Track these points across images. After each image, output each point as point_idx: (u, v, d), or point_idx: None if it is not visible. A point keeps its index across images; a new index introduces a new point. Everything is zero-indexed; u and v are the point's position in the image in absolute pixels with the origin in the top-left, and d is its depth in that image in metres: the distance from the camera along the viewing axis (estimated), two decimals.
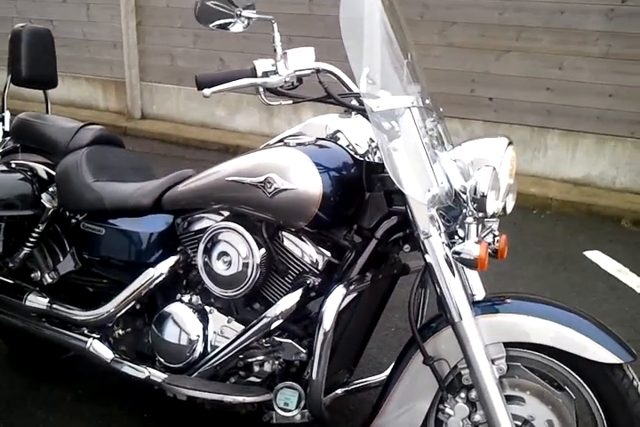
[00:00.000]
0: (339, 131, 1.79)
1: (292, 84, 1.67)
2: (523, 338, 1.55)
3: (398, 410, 1.67)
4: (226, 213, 1.87)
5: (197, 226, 1.92)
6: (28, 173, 2.18)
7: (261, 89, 1.65)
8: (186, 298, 1.94)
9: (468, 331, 1.53)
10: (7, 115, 2.38)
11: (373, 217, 1.70)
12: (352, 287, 1.62)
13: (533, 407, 1.58)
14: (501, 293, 1.68)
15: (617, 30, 4.02)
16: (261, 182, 1.68)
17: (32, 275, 2.17)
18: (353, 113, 1.84)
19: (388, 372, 1.95)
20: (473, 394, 1.58)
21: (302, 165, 1.67)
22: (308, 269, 1.74)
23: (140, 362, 1.97)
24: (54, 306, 2.07)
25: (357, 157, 1.73)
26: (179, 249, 1.99)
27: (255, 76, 1.64)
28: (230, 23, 1.64)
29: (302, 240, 1.76)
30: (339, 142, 1.77)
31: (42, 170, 2.21)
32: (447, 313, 1.55)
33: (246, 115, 5.47)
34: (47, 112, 2.55)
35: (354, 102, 1.71)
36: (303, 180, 1.65)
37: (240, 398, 1.70)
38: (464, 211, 1.60)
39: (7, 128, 2.38)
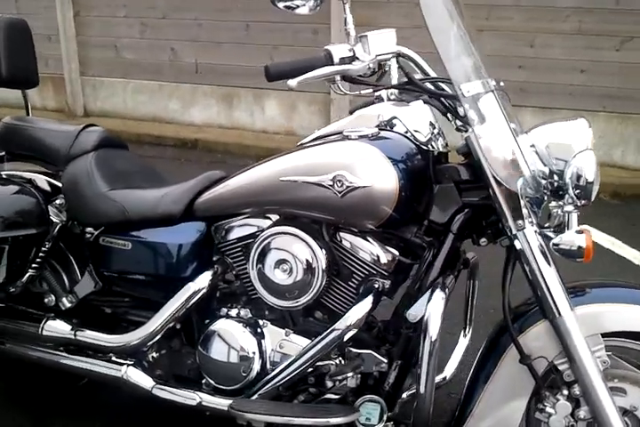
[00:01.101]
0: (394, 117, 1.63)
1: (373, 70, 1.51)
2: (620, 327, 1.49)
3: (490, 414, 1.56)
4: (274, 217, 1.70)
5: (240, 233, 1.73)
6: (29, 186, 1.91)
7: (338, 77, 1.48)
8: (233, 312, 1.75)
9: (570, 325, 1.45)
10: None
11: (446, 211, 1.58)
12: (447, 290, 1.50)
13: (635, 397, 1.52)
14: (574, 281, 1.60)
15: (587, 6, 4.03)
16: (330, 181, 1.52)
17: (45, 300, 1.91)
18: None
19: (446, 373, 1.85)
20: (576, 390, 1.50)
21: (374, 159, 1.51)
22: (375, 272, 1.60)
23: (182, 386, 1.77)
24: (78, 333, 1.83)
25: (421, 145, 1.59)
26: (215, 259, 1.80)
27: (332, 63, 1.46)
28: (298, 5, 1.47)
29: (366, 240, 1.61)
30: (395, 130, 1.63)
31: (42, 180, 1.94)
32: (545, 308, 1.46)
33: (202, 107, 5.21)
34: (27, 115, 2.27)
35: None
36: (377, 176, 1.50)
37: (328, 420, 1.54)
38: (546, 198, 1.53)
39: None
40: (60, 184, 1.93)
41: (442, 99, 1.55)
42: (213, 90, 5.06)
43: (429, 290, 1.52)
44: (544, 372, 1.52)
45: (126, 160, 2.01)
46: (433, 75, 1.60)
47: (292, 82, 1.45)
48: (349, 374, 1.59)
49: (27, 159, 2.03)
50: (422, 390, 1.43)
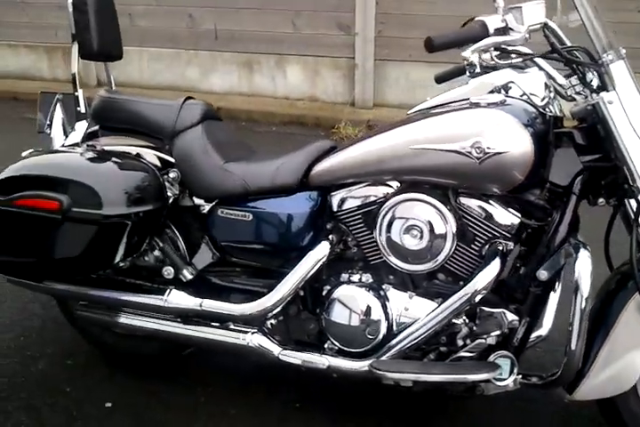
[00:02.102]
0: (511, 82, 1.67)
1: (525, 40, 1.56)
2: None
3: (612, 363, 1.64)
4: (395, 184, 1.75)
5: (361, 201, 1.79)
6: (142, 160, 1.92)
7: (492, 48, 1.52)
8: (354, 278, 1.82)
9: None
10: (81, 94, 2.08)
11: (567, 174, 1.65)
12: (589, 248, 1.58)
13: None
14: None
15: None
16: (468, 148, 1.57)
17: (164, 272, 1.94)
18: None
19: (542, 331, 1.91)
20: None
21: (509, 126, 1.57)
22: (498, 234, 1.67)
23: (305, 351, 1.84)
24: (204, 303, 1.87)
25: (541, 110, 1.65)
26: (329, 227, 1.85)
27: (487, 33, 1.51)
28: None
29: (489, 203, 1.67)
30: (511, 94, 1.67)
31: (150, 155, 1.95)
32: None
33: (222, 73, 5.15)
34: (111, 87, 2.27)
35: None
36: (514, 142, 1.56)
37: (472, 377, 1.62)
38: None
39: (82, 109, 2.08)
40: (167, 157, 1.95)
41: (573, 66, 1.60)
42: (233, 57, 5.01)
43: (559, 251, 1.61)
44: None
45: (225, 132, 2.03)
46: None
47: (467, 53, 1.49)
48: (489, 333, 1.67)
49: (123, 133, 2.03)
50: (573, 346, 1.53)
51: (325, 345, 1.84)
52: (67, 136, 2.23)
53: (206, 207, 1.92)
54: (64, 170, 1.80)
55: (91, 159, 1.85)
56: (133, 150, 1.97)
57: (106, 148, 1.97)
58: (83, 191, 1.74)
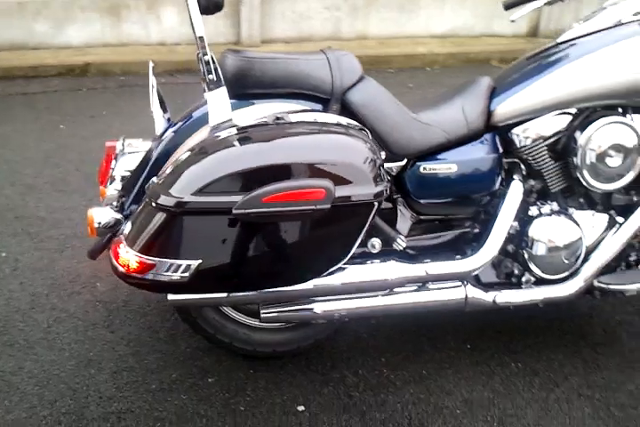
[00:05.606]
0: None
1: None
2: None
3: None
4: (572, 112, 1.83)
5: (547, 132, 1.84)
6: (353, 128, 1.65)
7: None
8: (545, 209, 1.89)
9: None
10: (211, 58, 1.64)
11: None
12: None
13: None
14: None
15: None
16: None
17: (371, 244, 1.79)
18: None
19: None
20: None
21: None
22: None
23: (509, 289, 1.89)
24: (428, 267, 1.78)
25: None
26: (506, 166, 1.88)
27: None
28: None
29: None
30: None
31: (336, 119, 1.69)
32: None
33: (82, 24, 4.40)
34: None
35: None
36: None
37: None
38: None
39: (215, 76, 1.67)
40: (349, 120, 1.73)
41: None
42: (94, 3, 4.29)
43: None
44: None
45: None
46: None
47: None
48: None
49: (260, 99, 1.74)
50: None
51: (522, 279, 1.90)
52: (165, 111, 1.86)
53: (394, 167, 1.80)
54: (297, 152, 1.51)
55: (308, 135, 1.55)
56: (312, 118, 1.65)
57: (295, 118, 1.61)
58: (339, 171, 1.50)
